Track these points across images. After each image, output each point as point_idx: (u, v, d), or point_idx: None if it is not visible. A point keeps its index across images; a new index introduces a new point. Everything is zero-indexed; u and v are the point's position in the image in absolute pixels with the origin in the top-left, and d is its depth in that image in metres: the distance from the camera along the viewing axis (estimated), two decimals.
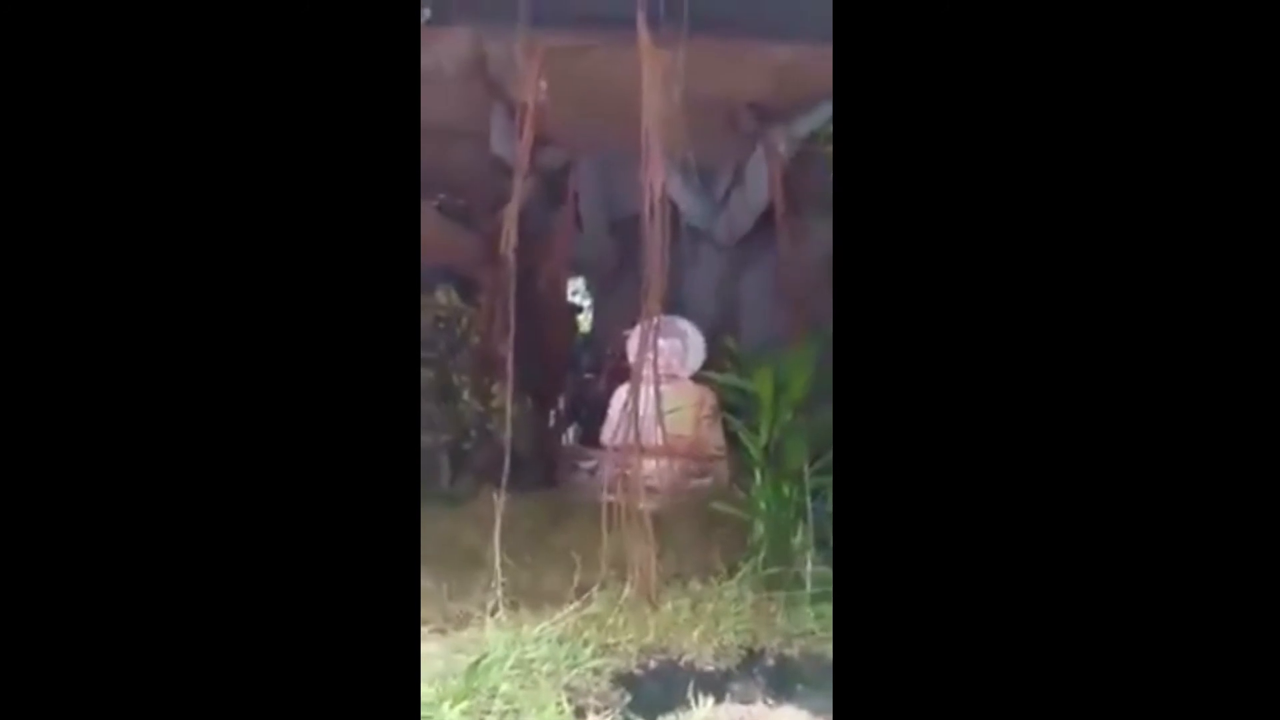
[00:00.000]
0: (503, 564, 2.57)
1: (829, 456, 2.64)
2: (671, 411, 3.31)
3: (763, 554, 2.88)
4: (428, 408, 4.12)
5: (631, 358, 3.45)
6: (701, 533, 3.28)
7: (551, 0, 3.19)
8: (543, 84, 3.22)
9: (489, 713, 1.93)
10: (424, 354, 4.25)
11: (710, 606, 2.63)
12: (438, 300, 4.62)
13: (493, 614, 2.46)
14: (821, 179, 2.60)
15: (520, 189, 2.98)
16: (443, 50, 3.76)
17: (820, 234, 3.41)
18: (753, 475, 3.22)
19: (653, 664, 2.32)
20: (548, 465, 4.55)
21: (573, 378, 5.35)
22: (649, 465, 3.18)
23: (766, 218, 4.61)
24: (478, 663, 2.07)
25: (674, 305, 4.07)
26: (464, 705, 1.91)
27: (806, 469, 2.95)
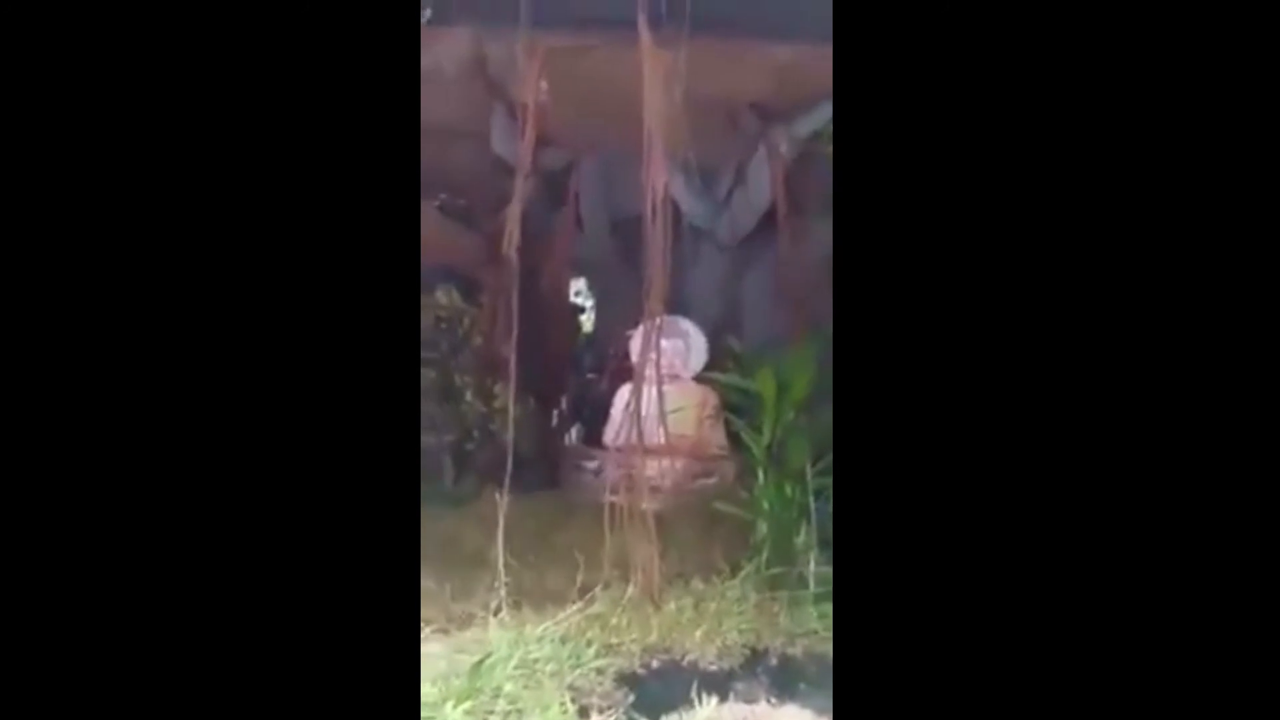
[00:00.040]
0: (506, 564, 2.57)
1: (831, 456, 2.64)
2: (674, 411, 3.31)
3: (766, 553, 2.88)
4: (430, 408, 4.12)
5: (634, 358, 3.44)
6: (704, 532, 3.28)
7: (552, 0, 3.19)
8: (544, 84, 3.22)
9: (492, 712, 1.93)
10: (426, 354, 4.26)
11: (713, 606, 2.63)
12: (439, 300, 4.63)
13: (496, 614, 2.46)
14: (824, 179, 2.59)
15: (521, 189, 2.97)
16: (443, 50, 3.76)
17: (823, 234, 3.40)
18: (755, 475, 3.22)
19: (656, 663, 2.31)
20: (550, 465, 4.54)
21: (575, 378, 5.35)
22: (652, 465, 3.18)
23: (769, 218, 4.60)
24: (481, 663, 2.07)
25: (676, 305, 4.06)
26: (467, 705, 1.91)
27: (809, 469, 2.95)
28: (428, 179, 2.07)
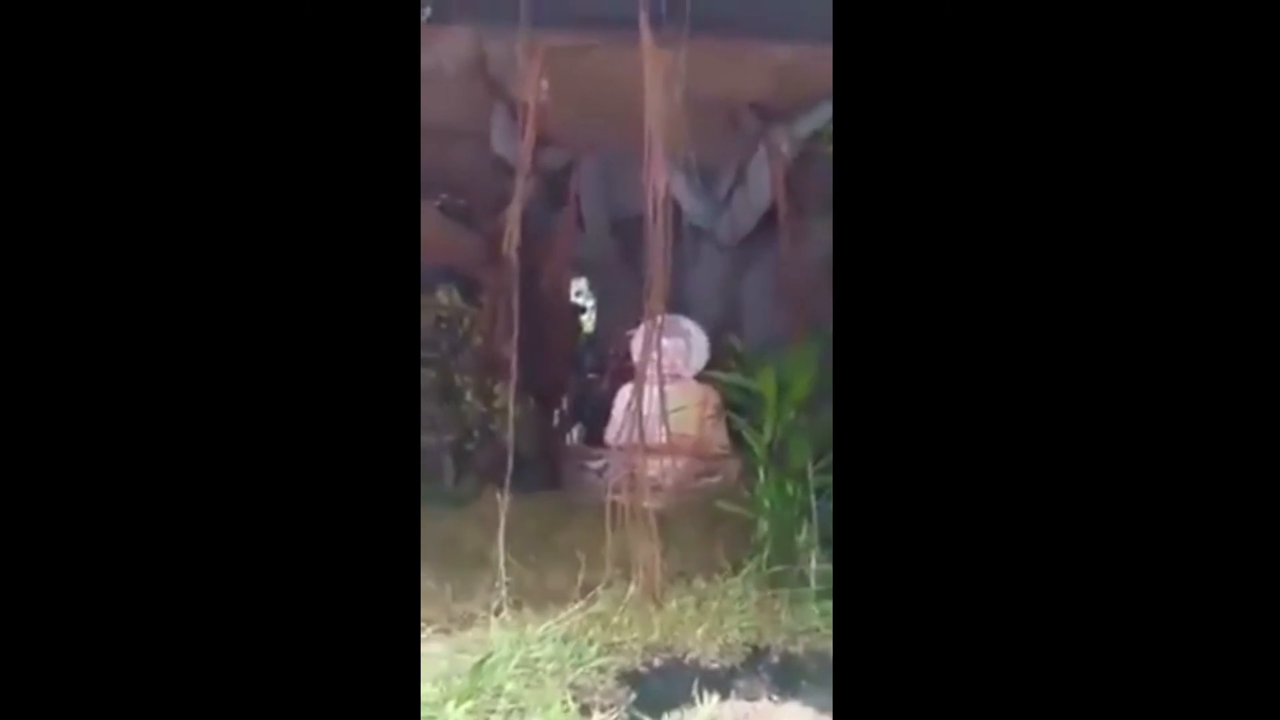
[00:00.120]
0: (507, 564, 2.58)
1: (832, 455, 2.64)
2: (676, 410, 3.31)
3: (767, 552, 2.88)
4: (431, 408, 4.13)
5: (635, 357, 3.45)
6: (706, 531, 3.28)
7: (552, 0, 3.19)
8: (544, 84, 3.22)
9: (494, 712, 1.93)
10: (426, 354, 4.26)
11: (715, 604, 2.63)
12: (439, 300, 4.63)
13: (497, 614, 2.46)
14: (824, 179, 2.60)
15: (522, 189, 2.98)
16: (443, 50, 3.76)
17: (823, 234, 3.40)
18: (757, 474, 3.22)
19: (657, 662, 2.32)
20: (551, 465, 4.55)
21: (576, 378, 5.35)
22: (654, 464, 3.18)
23: (769, 218, 4.60)
24: (482, 662, 2.07)
25: (677, 305, 4.06)
26: (469, 705, 1.91)
27: (810, 467, 2.96)
28: (428, 179, 2.07)
